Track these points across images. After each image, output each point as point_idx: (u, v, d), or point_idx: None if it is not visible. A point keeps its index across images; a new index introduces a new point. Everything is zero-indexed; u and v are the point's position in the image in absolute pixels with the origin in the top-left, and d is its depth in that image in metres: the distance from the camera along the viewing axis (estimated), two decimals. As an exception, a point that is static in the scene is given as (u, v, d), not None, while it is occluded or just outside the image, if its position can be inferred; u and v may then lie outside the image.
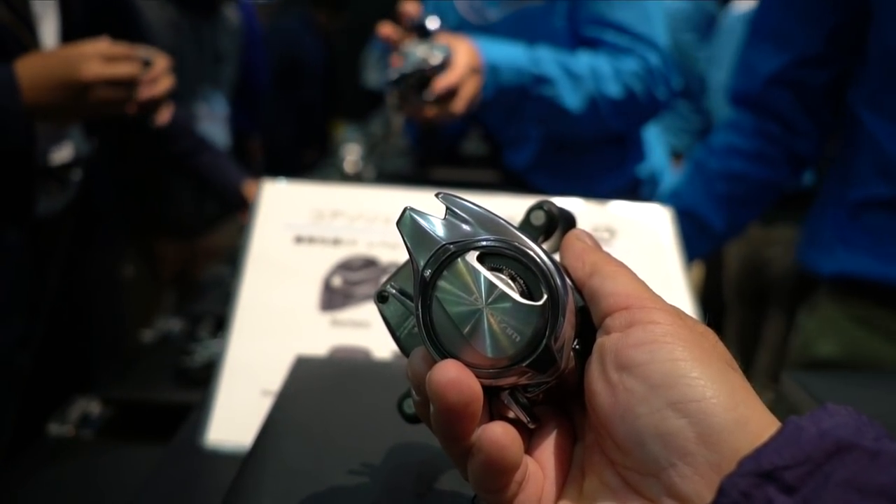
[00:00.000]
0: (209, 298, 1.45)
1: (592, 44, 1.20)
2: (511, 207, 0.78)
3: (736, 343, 2.23)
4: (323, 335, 0.64)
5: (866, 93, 0.95)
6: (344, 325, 0.65)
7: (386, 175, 1.84)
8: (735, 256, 2.21)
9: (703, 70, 2.22)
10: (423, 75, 1.04)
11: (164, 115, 1.24)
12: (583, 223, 0.76)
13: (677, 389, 0.28)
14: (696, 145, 1.18)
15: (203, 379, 1.07)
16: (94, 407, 1.06)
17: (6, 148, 1.04)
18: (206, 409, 0.59)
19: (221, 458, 0.56)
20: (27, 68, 1.00)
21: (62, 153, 1.20)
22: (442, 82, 1.04)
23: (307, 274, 0.68)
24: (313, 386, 0.52)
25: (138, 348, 1.27)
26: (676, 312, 0.32)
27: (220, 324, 1.25)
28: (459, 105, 1.06)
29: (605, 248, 0.72)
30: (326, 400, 0.50)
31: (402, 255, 0.71)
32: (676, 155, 2.15)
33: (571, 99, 1.13)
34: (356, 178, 2.05)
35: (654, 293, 0.33)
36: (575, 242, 0.36)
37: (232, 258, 1.75)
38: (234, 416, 0.58)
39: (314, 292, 0.67)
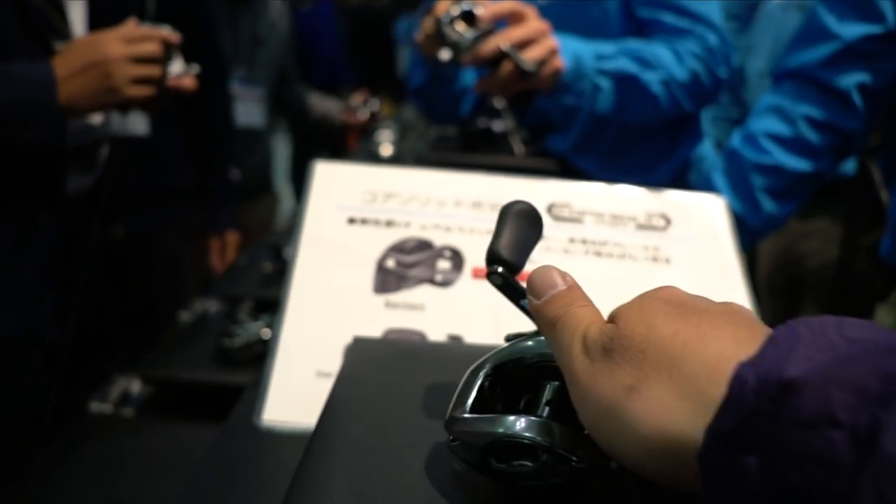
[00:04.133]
0: (246, 280, 1.46)
1: (650, 25, 1.18)
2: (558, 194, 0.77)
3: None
4: (377, 317, 0.64)
5: None
6: (398, 308, 0.65)
7: (423, 159, 1.83)
8: (768, 250, 2.17)
9: (741, 59, 2.19)
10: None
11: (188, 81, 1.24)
12: (637, 210, 0.76)
13: None
14: (734, 134, 1.16)
15: (244, 360, 1.08)
16: (134, 386, 1.07)
17: (41, 142, 1.06)
18: (261, 390, 0.58)
19: (278, 438, 0.56)
20: (60, 62, 1.02)
21: (87, 134, 1.22)
22: (493, 7, 1.00)
23: (361, 256, 0.68)
24: (372, 367, 0.52)
25: (176, 329, 1.28)
26: None
27: (260, 306, 1.25)
28: (557, 61, 1.02)
29: (660, 236, 0.73)
30: (387, 380, 0.50)
31: (454, 239, 0.71)
32: (719, 145, 2.12)
33: (651, 80, 1.11)
34: (392, 162, 2.05)
35: None
36: None
37: (268, 240, 1.76)
38: (290, 397, 0.58)
39: (368, 274, 0.67)
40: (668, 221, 0.76)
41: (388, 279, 0.66)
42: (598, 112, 1.12)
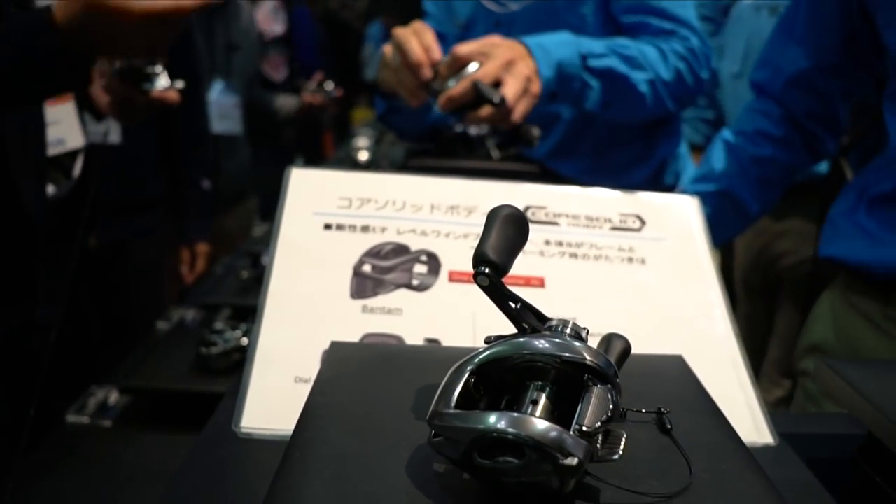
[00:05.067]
0: (224, 288, 1.45)
1: (634, 29, 1.19)
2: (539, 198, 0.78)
3: (745, 336, 2.21)
4: (354, 322, 0.64)
5: (888, 93, 0.97)
6: (375, 312, 0.65)
7: (400, 164, 1.84)
8: (744, 250, 2.19)
9: (714, 61, 2.21)
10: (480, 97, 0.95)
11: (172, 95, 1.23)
12: (611, 212, 0.77)
13: None
14: (724, 131, 1.18)
15: (222, 369, 1.07)
16: (111, 396, 1.06)
17: (51, 91, 1.02)
18: (239, 397, 0.58)
19: (257, 444, 0.55)
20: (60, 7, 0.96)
21: (61, 144, 1.21)
22: (463, 48, 0.98)
23: (337, 261, 0.68)
24: (350, 370, 0.52)
25: (154, 338, 1.27)
26: None
27: (238, 314, 1.25)
28: (535, 86, 0.99)
29: (635, 237, 0.74)
30: (365, 383, 0.50)
31: (430, 243, 0.71)
32: (695, 148, 2.14)
33: (638, 79, 1.11)
34: (369, 167, 2.05)
35: None
36: None
37: (246, 248, 1.75)
38: (268, 404, 0.57)
39: (344, 280, 0.67)
40: (642, 222, 0.76)
41: (365, 284, 0.66)
42: (586, 108, 1.12)
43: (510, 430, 0.35)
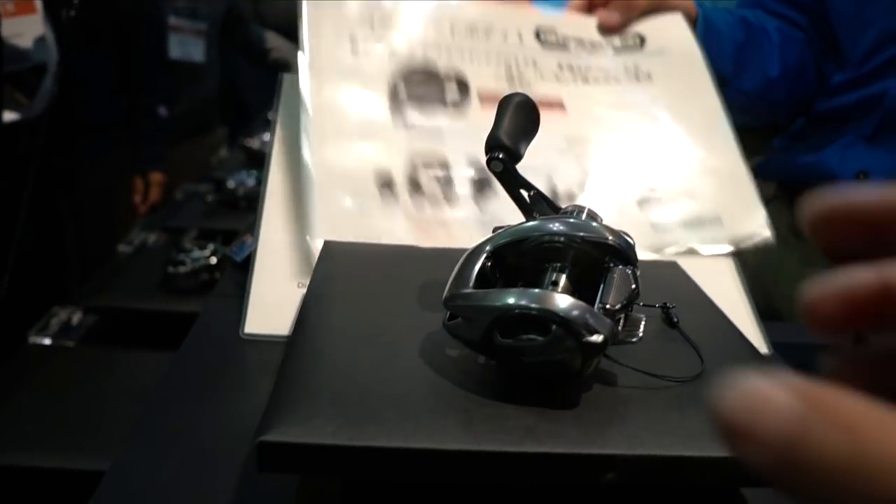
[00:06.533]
0: (187, 213, 1.41)
1: None
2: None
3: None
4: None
5: None
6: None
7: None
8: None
9: None
10: None
11: None
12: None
13: None
14: None
15: (190, 288, 1.05)
16: (75, 317, 1.03)
17: None
18: (243, 304, 0.57)
19: (252, 345, 0.54)
20: None
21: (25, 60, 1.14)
22: None
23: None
24: (347, 267, 0.50)
25: (116, 260, 1.23)
26: None
27: (205, 235, 1.22)
28: None
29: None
30: (364, 278, 0.49)
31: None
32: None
33: None
34: None
35: None
36: None
37: (207, 176, 1.71)
38: (271, 308, 0.56)
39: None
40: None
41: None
42: None
43: (534, 305, 0.34)
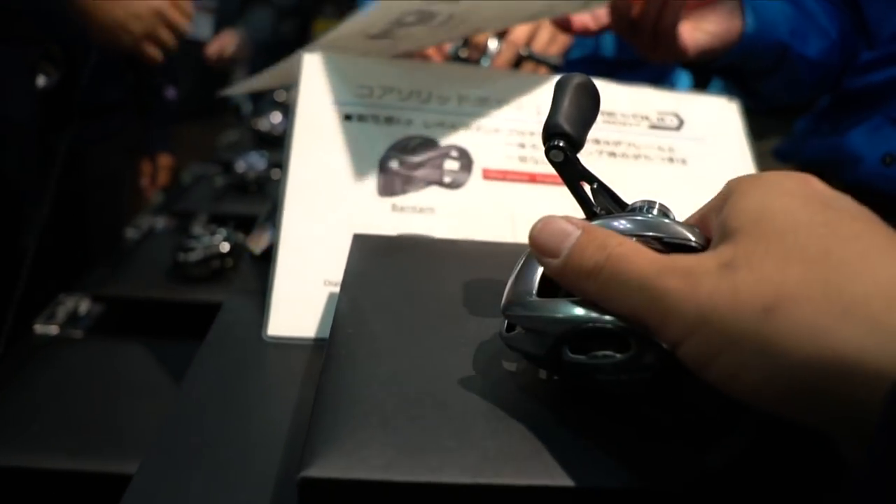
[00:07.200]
0: (196, 196, 1.37)
1: None
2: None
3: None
4: (384, 221, 0.58)
5: None
6: (406, 211, 0.59)
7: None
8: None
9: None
10: None
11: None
12: (648, 110, 0.71)
13: None
14: None
15: (201, 276, 1.01)
16: (82, 305, 0.99)
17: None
18: (266, 303, 0.53)
19: (276, 349, 0.50)
20: None
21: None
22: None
23: (361, 155, 0.61)
24: (381, 264, 0.46)
25: (124, 246, 1.19)
26: None
27: (215, 220, 1.17)
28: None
29: (674, 136, 0.68)
30: (400, 277, 0.44)
31: (461, 138, 0.65)
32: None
33: None
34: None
35: None
36: None
37: (214, 158, 1.66)
38: (295, 309, 0.52)
39: (371, 175, 0.60)
40: (680, 121, 0.71)
41: (393, 181, 0.60)
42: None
43: (609, 318, 0.30)
